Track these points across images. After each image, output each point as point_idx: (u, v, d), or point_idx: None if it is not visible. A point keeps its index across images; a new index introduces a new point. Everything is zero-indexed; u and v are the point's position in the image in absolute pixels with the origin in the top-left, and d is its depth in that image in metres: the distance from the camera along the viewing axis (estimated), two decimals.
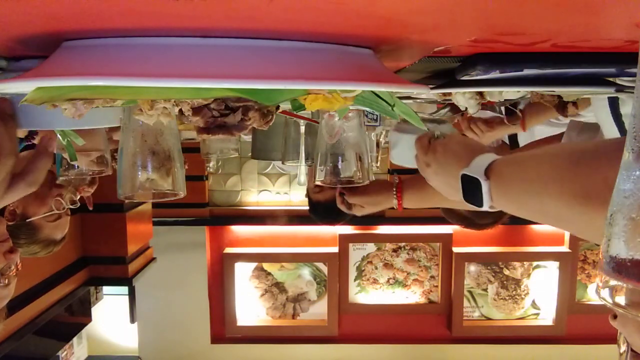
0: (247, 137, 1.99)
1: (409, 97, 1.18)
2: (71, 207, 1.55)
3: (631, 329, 0.63)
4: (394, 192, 1.26)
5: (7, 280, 1.18)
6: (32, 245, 1.53)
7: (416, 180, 1.19)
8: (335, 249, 3.72)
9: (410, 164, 0.94)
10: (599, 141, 0.68)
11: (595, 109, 1.28)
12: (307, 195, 2.06)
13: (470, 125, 1.75)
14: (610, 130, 1.24)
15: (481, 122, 1.72)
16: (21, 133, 1.21)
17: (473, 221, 1.56)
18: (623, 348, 0.58)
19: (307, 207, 2.07)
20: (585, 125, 1.45)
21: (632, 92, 0.45)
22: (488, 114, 1.71)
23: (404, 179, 1.28)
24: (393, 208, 1.35)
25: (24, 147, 1.40)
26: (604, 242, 0.30)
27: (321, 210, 2.01)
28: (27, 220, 1.49)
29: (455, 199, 0.77)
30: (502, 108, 1.66)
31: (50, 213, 1.50)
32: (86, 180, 1.55)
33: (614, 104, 1.20)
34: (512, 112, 1.67)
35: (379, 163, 2.01)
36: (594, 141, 0.64)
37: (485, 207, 0.72)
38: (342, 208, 1.50)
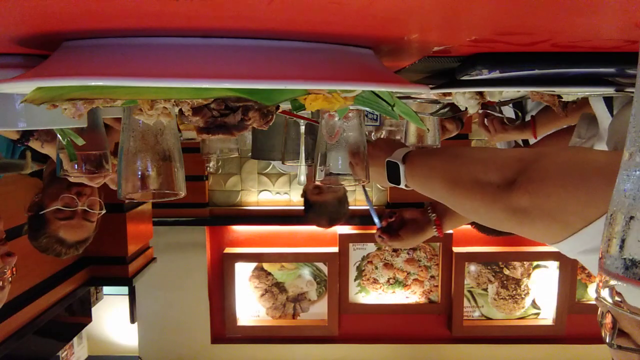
0: (247, 140, 1.99)
1: (409, 97, 1.18)
2: (89, 210, 1.52)
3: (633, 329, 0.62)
4: (434, 228, 1.27)
5: (2, 283, 1.17)
6: (55, 245, 1.51)
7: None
8: (335, 249, 3.72)
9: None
10: (471, 148, 0.90)
11: (592, 102, 1.29)
12: (303, 195, 2.06)
13: (486, 121, 1.73)
14: (606, 123, 1.25)
15: (497, 121, 1.70)
16: (14, 135, 1.19)
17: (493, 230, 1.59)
18: (609, 319, 0.57)
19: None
20: (594, 120, 1.46)
21: (632, 93, 0.45)
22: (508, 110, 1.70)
23: (436, 206, 1.28)
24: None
25: (21, 150, 1.38)
26: (604, 242, 0.30)
27: (317, 211, 2.01)
28: (40, 213, 1.48)
29: (383, 184, 0.98)
30: (513, 111, 1.65)
31: (55, 207, 1.47)
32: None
33: (608, 98, 1.21)
34: (520, 117, 1.66)
35: None
36: (468, 147, 0.81)
37: (402, 185, 0.95)
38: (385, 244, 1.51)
